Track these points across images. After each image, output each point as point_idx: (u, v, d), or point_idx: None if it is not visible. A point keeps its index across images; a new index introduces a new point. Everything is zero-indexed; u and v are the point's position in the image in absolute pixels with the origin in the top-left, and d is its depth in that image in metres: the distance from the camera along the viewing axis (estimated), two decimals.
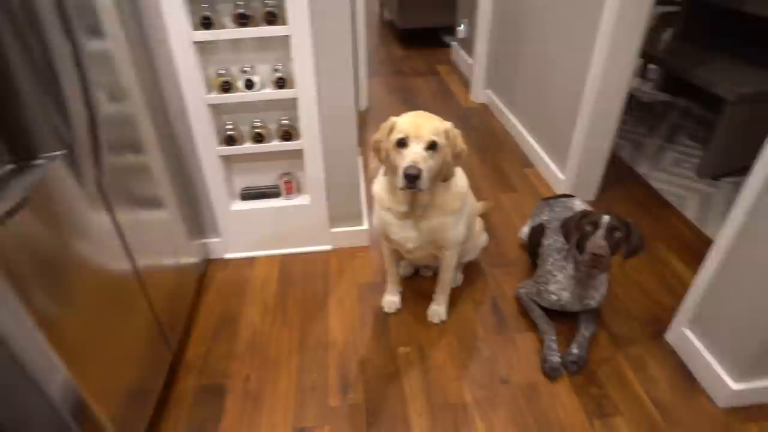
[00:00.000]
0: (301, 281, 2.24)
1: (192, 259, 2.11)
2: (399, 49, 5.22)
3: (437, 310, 2.00)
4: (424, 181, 1.42)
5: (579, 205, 2.18)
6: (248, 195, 2.28)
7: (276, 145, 2.07)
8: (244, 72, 1.86)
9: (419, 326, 2.00)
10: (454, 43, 4.77)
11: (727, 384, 1.64)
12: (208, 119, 1.93)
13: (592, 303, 1.87)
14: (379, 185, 1.68)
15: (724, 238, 1.62)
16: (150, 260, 1.60)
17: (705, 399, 1.71)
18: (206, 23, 1.68)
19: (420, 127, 1.43)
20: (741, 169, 2.88)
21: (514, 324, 2.00)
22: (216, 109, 1.99)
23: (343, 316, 2.06)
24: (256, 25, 1.74)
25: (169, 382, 1.79)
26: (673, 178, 2.93)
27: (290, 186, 2.25)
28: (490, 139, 3.39)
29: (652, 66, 4.25)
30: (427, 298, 2.10)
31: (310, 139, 2.07)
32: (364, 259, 2.36)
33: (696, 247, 2.39)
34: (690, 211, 2.63)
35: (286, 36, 1.78)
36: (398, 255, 1.98)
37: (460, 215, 1.69)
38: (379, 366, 1.84)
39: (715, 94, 2.77)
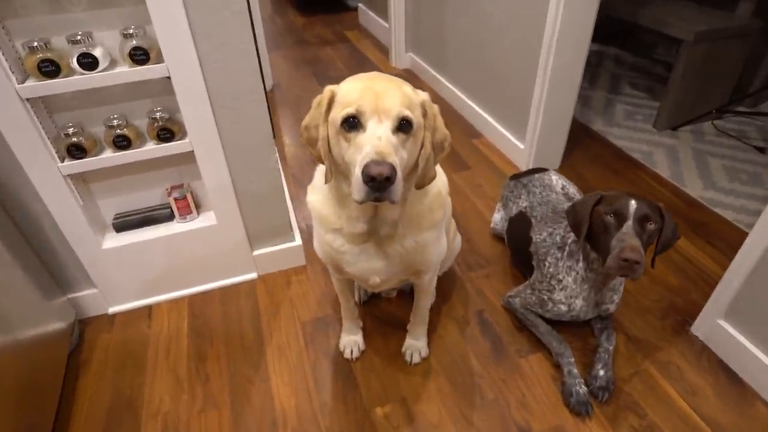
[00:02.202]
0: (223, 330, 1.63)
1: (55, 326, 1.44)
2: (298, 16, 4.54)
3: (416, 345, 1.49)
4: (399, 186, 0.85)
5: (557, 180, 1.77)
6: (125, 224, 1.60)
7: (152, 149, 1.41)
8: (76, 43, 1.17)
9: (395, 371, 1.48)
10: (360, 5, 4.18)
11: None
12: (30, 122, 1.23)
13: (611, 308, 1.46)
14: (318, 195, 1.11)
15: None
16: None
17: (763, 407, 1.37)
18: None
19: (381, 96, 0.88)
20: (700, 116, 2.64)
21: (513, 345, 1.55)
22: (43, 105, 1.30)
23: (290, 373, 1.49)
24: None
25: None
26: (630, 132, 2.63)
27: (184, 203, 1.61)
28: None
29: None
30: (397, 327, 1.59)
31: (201, 136, 1.44)
32: (303, 285, 1.79)
33: (683, 211, 2.09)
34: (662, 168, 2.33)
35: None
36: (352, 281, 1.44)
37: (441, 227, 1.17)
38: None
39: (669, 35, 2.47)
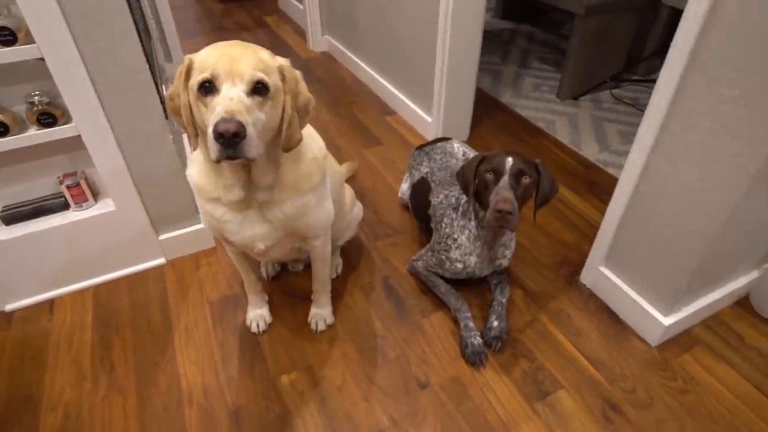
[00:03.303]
0: (130, 317, 1.61)
1: None
2: (217, 2, 4.42)
3: (320, 313, 1.54)
4: (253, 143, 0.89)
5: (458, 147, 1.85)
6: (14, 216, 1.54)
7: (33, 135, 1.37)
8: None
9: (302, 340, 1.52)
10: None
11: (659, 320, 1.45)
12: None
13: (504, 262, 1.56)
14: (196, 167, 1.12)
15: (631, 166, 1.38)
16: None
17: (637, 341, 1.51)
18: None
19: (236, 60, 0.90)
20: (597, 85, 2.81)
21: (417, 306, 1.62)
22: None
23: (197, 353, 1.50)
24: None
25: None
26: (536, 103, 2.76)
27: (79, 191, 1.57)
28: (341, 90, 2.92)
29: None
30: (304, 299, 1.63)
31: (87, 119, 1.40)
32: (212, 266, 1.78)
33: (580, 173, 2.23)
34: (562, 135, 2.47)
35: None
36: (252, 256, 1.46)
37: (322, 190, 1.21)
38: (259, 411, 1.34)
39: (564, 9, 2.60)
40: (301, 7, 3.45)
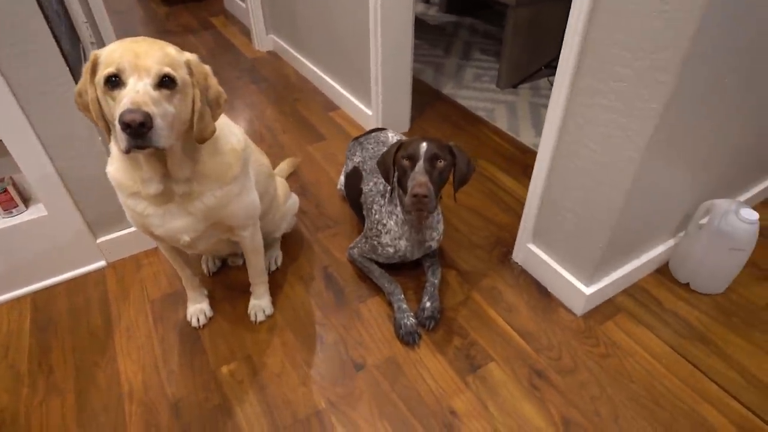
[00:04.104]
0: (69, 322, 1.61)
1: None
2: (160, 6, 4.36)
3: (258, 304, 1.57)
4: (162, 133, 0.92)
5: (392, 137, 1.90)
6: None
7: None
8: None
9: (242, 332, 1.55)
10: None
11: (581, 290, 1.53)
12: None
13: (434, 244, 1.62)
14: (115, 164, 1.14)
15: (546, 145, 1.46)
16: None
17: (564, 312, 1.60)
18: None
19: (141, 56, 0.93)
20: (534, 73, 2.91)
21: (355, 293, 1.67)
22: None
23: (138, 350, 1.51)
24: None
25: None
26: (477, 93, 2.84)
27: (6, 197, 1.55)
28: (286, 88, 2.94)
29: None
30: (245, 292, 1.65)
31: (8, 125, 1.40)
32: (154, 266, 1.79)
33: (517, 158, 2.32)
34: (501, 122, 2.56)
35: None
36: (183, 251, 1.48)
37: (244, 180, 1.24)
38: (198, 402, 1.37)
39: (497, 2, 2.69)
40: (244, 6, 3.45)
